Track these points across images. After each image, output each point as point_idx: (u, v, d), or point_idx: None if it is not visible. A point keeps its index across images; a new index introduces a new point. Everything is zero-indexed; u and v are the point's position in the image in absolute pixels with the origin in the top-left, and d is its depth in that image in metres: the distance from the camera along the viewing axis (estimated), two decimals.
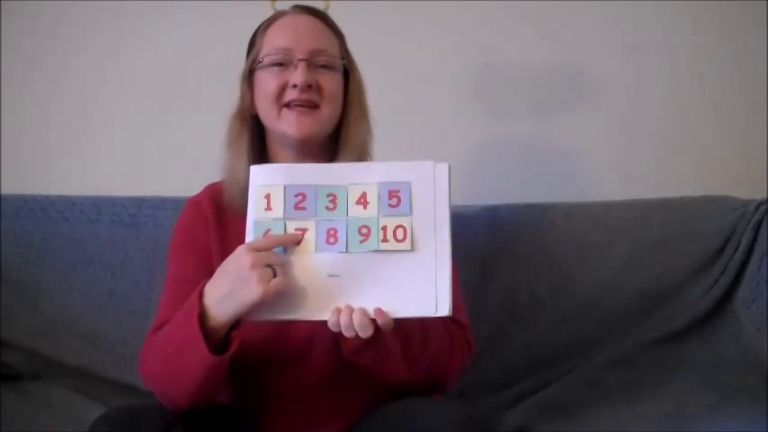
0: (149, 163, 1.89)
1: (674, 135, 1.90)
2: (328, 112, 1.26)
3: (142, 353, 1.20)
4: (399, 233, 1.09)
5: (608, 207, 1.69)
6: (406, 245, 1.09)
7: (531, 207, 1.70)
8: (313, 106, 1.25)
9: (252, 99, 1.30)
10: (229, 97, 1.84)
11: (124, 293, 1.65)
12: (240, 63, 1.85)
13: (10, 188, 1.77)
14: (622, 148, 1.90)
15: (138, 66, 1.90)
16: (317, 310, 1.08)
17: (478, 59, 1.89)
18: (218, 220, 1.29)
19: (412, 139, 1.79)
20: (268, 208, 1.11)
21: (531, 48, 1.89)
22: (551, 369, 1.61)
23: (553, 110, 1.90)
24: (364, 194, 1.11)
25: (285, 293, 1.07)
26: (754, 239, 1.62)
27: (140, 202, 1.70)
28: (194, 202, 1.34)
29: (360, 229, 1.09)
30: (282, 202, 1.11)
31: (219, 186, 1.32)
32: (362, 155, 1.29)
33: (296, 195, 1.11)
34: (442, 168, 1.12)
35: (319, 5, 1.34)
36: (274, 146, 1.30)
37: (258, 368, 1.22)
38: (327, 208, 1.10)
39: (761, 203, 1.64)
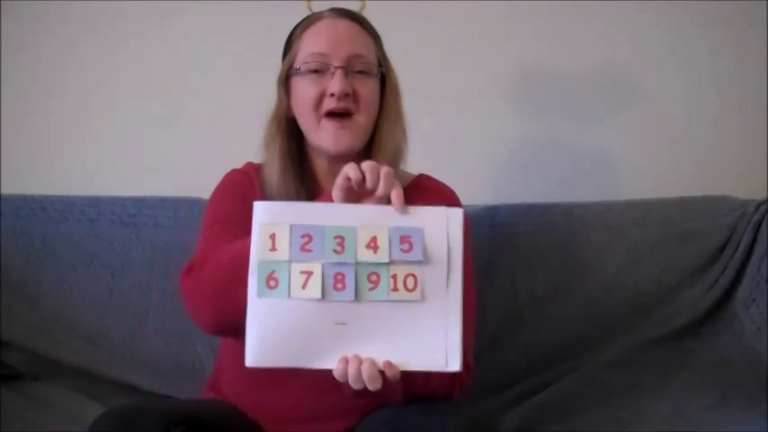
0: (149, 163, 1.89)
1: (673, 135, 1.90)
2: (364, 121, 1.26)
3: (197, 261, 1.18)
4: (410, 282, 1.06)
5: (608, 207, 1.69)
6: (417, 295, 1.05)
7: (531, 207, 1.70)
8: (349, 114, 1.24)
9: (288, 103, 1.30)
10: (231, 97, 1.86)
11: (124, 293, 1.65)
12: (242, 63, 1.87)
13: (10, 188, 1.77)
14: (623, 148, 1.90)
15: (138, 66, 1.90)
16: (322, 358, 1.06)
17: (489, 60, 1.90)
18: (263, 189, 1.29)
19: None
20: (273, 248, 1.06)
21: (534, 47, 1.90)
22: (551, 369, 1.61)
23: (553, 110, 1.90)
24: (374, 238, 1.06)
25: (290, 340, 1.05)
26: (754, 239, 1.62)
27: (140, 202, 1.70)
28: (239, 170, 1.36)
29: (369, 276, 1.05)
30: (288, 243, 1.05)
31: (261, 167, 1.32)
32: (395, 162, 1.28)
33: (302, 236, 1.06)
34: (456, 214, 1.08)
35: (355, 6, 1.33)
36: (311, 151, 1.31)
37: (260, 368, 1.22)
38: (335, 251, 1.05)
39: (761, 203, 1.64)
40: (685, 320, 1.61)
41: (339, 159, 1.27)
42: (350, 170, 1.09)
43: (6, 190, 1.76)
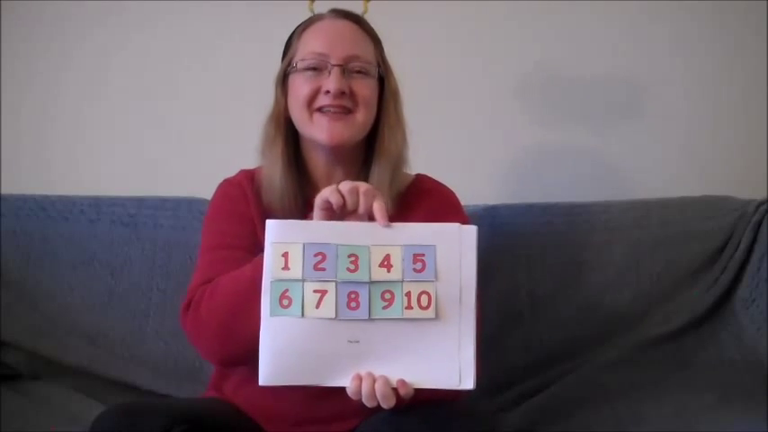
0: (149, 163, 1.89)
1: (674, 135, 1.90)
2: (362, 118, 1.26)
3: (194, 298, 1.19)
4: (424, 300, 1.06)
5: (608, 207, 1.69)
6: (431, 313, 1.06)
7: (530, 207, 1.70)
8: (346, 112, 1.25)
9: (285, 103, 1.30)
10: (231, 97, 1.86)
11: (124, 293, 1.65)
12: (242, 63, 1.87)
13: (10, 188, 1.77)
14: (623, 149, 1.90)
15: (138, 66, 1.90)
16: (336, 375, 1.06)
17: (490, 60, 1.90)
18: (257, 197, 1.29)
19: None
20: (285, 267, 1.06)
21: (535, 49, 1.90)
22: (551, 369, 1.61)
23: (554, 112, 1.90)
24: (388, 256, 1.06)
25: (303, 358, 1.06)
26: (754, 239, 1.62)
27: (140, 202, 1.70)
28: (231, 180, 1.35)
29: (383, 294, 1.06)
30: (301, 262, 1.06)
31: (255, 172, 1.33)
32: (398, 166, 1.29)
33: (315, 255, 1.06)
34: (469, 231, 1.08)
35: (358, 6, 1.33)
36: (308, 151, 1.31)
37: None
38: (348, 269, 1.05)
39: (761, 203, 1.65)
40: (685, 320, 1.61)
41: (337, 159, 1.28)
42: (330, 195, 1.09)
43: (6, 190, 1.76)
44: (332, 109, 1.24)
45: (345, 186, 1.10)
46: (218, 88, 1.89)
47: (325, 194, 1.10)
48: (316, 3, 1.34)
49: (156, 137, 1.90)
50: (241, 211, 1.29)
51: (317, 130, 1.25)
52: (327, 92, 1.23)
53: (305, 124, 1.26)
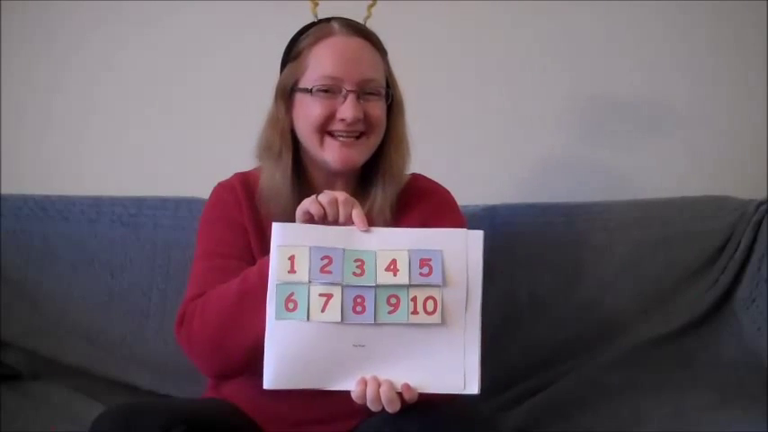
0: (149, 163, 1.89)
1: (674, 135, 1.90)
2: (374, 140, 1.27)
3: (187, 313, 1.20)
4: (429, 305, 1.06)
5: (608, 207, 1.69)
6: (436, 318, 1.06)
7: (530, 207, 1.70)
8: (359, 136, 1.25)
9: (290, 117, 1.29)
10: (231, 97, 1.86)
11: (124, 293, 1.65)
12: (242, 63, 1.87)
13: (10, 188, 1.77)
14: (623, 149, 1.90)
15: (138, 66, 1.90)
16: (341, 379, 1.06)
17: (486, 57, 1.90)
18: (250, 203, 1.29)
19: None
20: (292, 270, 1.06)
21: (532, 49, 1.90)
22: (551, 369, 1.61)
23: (554, 111, 1.90)
24: (394, 261, 1.06)
25: (308, 362, 1.06)
26: (754, 239, 1.62)
27: (140, 202, 1.70)
28: (226, 185, 1.35)
29: (388, 299, 1.06)
30: (308, 265, 1.06)
31: (250, 176, 1.33)
32: (400, 182, 1.30)
33: (322, 258, 1.06)
34: (476, 236, 1.08)
35: (362, 7, 1.32)
36: (310, 163, 1.30)
37: (260, 369, 1.22)
38: (354, 273, 1.06)
39: (761, 203, 1.65)
40: (685, 320, 1.61)
41: (339, 175, 1.29)
42: (310, 206, 1.11)
43: (6, 190, 1.76)
44: (345, 134, 1.24)
45: (325, 198, 1.11)
46: (217, 88, 1.88)
47: (306, 206, 1.11)
48: (319, 6, 1.32)
49: (157, 137, 1.90)
50: (233, 218, 1.29)
51: (329, 155, 1.25)
52: (342, 119, 1.23)
53: (314, 147, 1.26)
